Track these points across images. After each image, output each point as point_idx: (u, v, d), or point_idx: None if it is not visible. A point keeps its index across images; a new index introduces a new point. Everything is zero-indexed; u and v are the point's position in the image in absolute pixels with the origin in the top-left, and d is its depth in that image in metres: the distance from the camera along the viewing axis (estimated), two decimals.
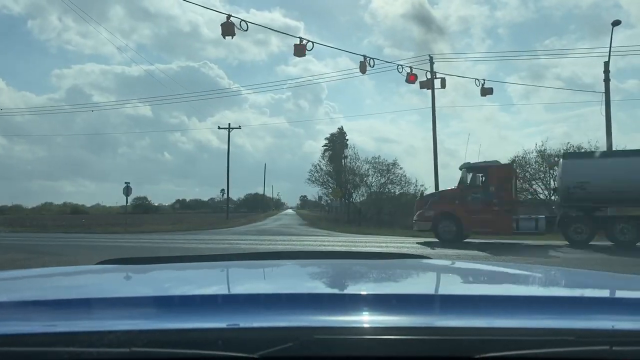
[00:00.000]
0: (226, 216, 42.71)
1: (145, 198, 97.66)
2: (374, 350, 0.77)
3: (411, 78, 16.79)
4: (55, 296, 1.11)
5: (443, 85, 18.33)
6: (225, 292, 1.21)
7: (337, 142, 48.12)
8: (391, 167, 39.89)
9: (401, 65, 16.91)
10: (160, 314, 0.90)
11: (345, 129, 52.20)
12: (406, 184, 40.15)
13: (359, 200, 41.66)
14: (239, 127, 44.46)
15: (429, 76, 18.12)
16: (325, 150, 50.07)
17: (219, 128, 43.08)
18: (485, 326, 0.84)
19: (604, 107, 21.28)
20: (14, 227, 31.28)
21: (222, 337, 0.78)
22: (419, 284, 1.45)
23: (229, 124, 42.74)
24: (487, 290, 1.30)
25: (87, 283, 1.42)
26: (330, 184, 44.73)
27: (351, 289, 1.24)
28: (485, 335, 0.80)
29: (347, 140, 47.50)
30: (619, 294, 1.24)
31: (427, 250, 13.54)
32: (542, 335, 0.79)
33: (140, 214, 76.92)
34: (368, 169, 40.41)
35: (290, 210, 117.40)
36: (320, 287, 1.32)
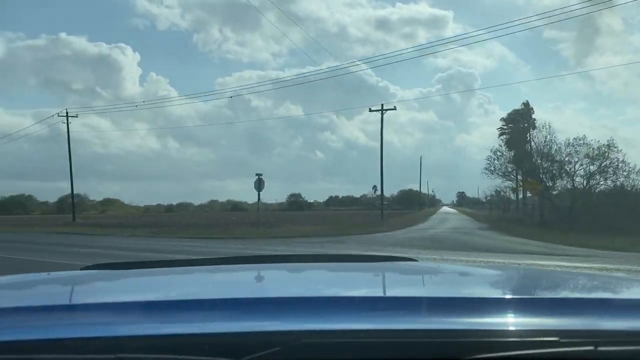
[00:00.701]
0: (380, 215, 35.75)
1: (299, 195, 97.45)
2: (362, 353, 0.77)
3: None
4: (39, 302, 1.07)
5: None
6: (212, 296, 1.12)
7: (519, 122, 38.06)
8: (605, 150, 28.91)
9: None
10: (146, 320, 0.88)
11: (507, 115, 41.49)
12: (629, 173, 28.73)
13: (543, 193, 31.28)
14: (394, 108, 37.10)
15: None
16: (500, 134, 40.29)
17: (370, 110, 36.20)
18: (472, 328, 0.83)
19: None
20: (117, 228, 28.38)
21: (208, 342, 0.77)
22: (407, 287, 1.43)
23: (382, 104, 35.70)
24: (474, 292, 1.29)
25: (72, 289, 1.38)
26: (512, 175, 35.14)
27: (339, 292, 1.23)
28: (473, 337, 0.80)
29: (534, 119, 37.04)
30: (603, 294, 1.23)
31: None
32: (528, 336, 0.80)
33: (293, 211, 76.60)
34: (571, 153, 29.91)
35: (447, 208, 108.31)
36: (307, 291, 1.27)
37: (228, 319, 0.85)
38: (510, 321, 0.85)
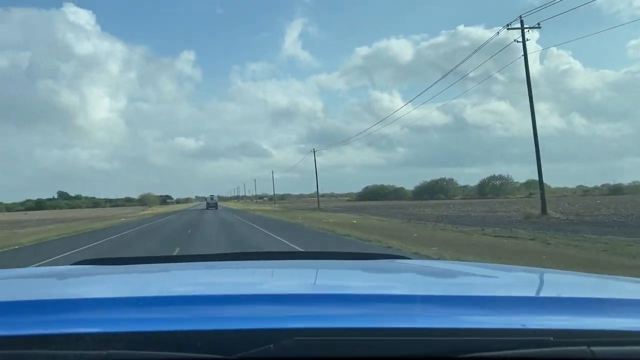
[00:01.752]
0: None
1: None
2: (355, 351, 0.78)
3: None
4: (30, 297, 1.08)
5: None
6: (204, 292, 1.14)
7: None
8: None
9: None
10: (138, 316, 0.87)
11: None
12: None
13: None
14: None
15: None
16: None
17: None
18: (466, 327, 0.83)
19: None
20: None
21: (200, 339, 0.78)
22: (400, 285, 1.44)
23: None
24: (468, 290, 1.28)
25: (63, 284, 1.39)
26: None
27: (332, 290, 1.22)
28: (467, 335, 0.81)
29: None
30: (596, 294, 1.21)
31: None
32: (522, 335, 0.81)
33: None
34: None
35: None
36: (300, 288, 1.28)
37: (221, 316, 0.85)
38: (504, 320, 0.85)
